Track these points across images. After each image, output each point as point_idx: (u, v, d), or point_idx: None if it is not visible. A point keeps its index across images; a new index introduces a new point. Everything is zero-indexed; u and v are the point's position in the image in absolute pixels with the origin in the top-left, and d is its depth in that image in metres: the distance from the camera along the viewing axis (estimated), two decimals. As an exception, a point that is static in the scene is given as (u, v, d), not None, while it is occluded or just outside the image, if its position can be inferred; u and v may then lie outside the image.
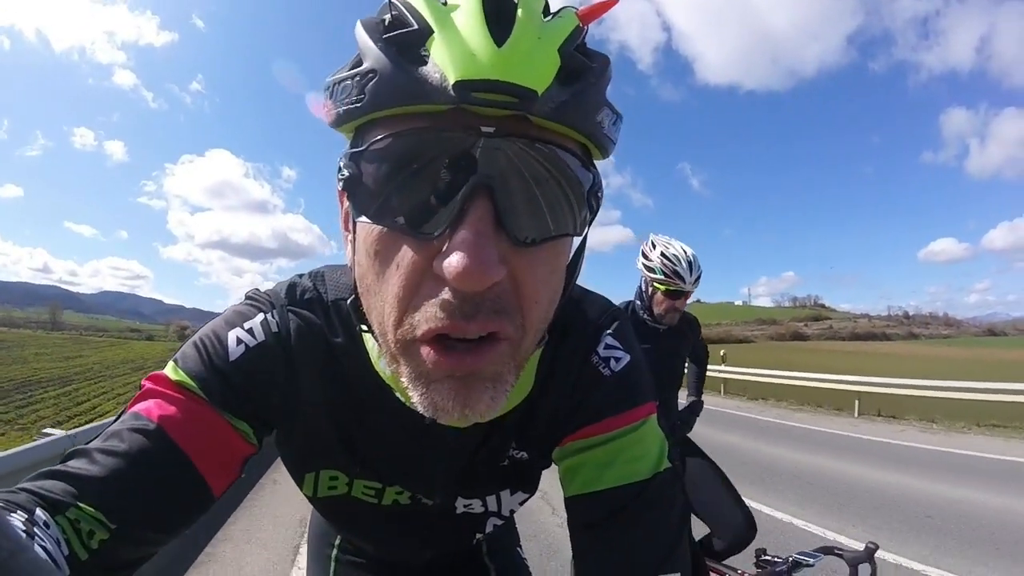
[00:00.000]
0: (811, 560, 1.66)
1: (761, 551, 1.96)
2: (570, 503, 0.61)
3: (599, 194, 0.46)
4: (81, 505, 0.45)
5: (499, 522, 0.77)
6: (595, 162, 0.47)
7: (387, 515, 0.71)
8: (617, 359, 0.63)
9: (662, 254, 2.28)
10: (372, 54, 0.40)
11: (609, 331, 0.64)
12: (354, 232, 0.47)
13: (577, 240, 0.49)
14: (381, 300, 0.43)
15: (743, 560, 2.19)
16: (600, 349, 0.63)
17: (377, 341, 0.48)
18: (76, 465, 0.47)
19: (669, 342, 2.41)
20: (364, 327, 0.51)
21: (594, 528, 0.58)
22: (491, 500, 0.72)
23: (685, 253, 2.27)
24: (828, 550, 1.66)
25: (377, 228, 0.42)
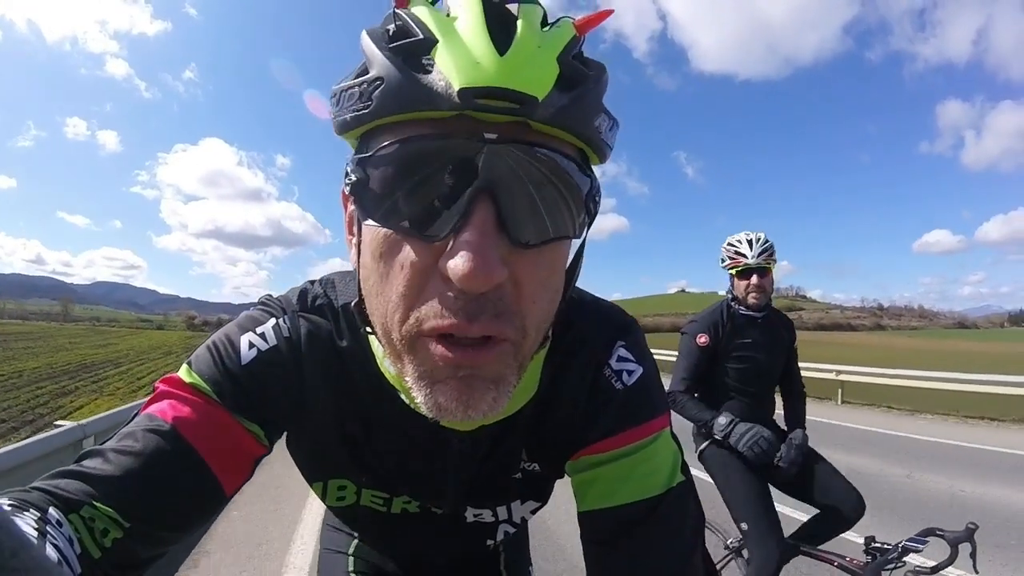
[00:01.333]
0: (919, 545, 1.73)
1: (871, 538, 1.98)
2: (583, 518, 0.61)
3: (597, 198, 0.48)
4: (96, 504, 0.45)
5: (511, 529, 0.77)
6: (593, 167, 0.49)
7: (398, 522, 0.72)
8: (630, 372, 0.62)
9: (728, 244, 2.43)
10: (379, 62, 0.41)
11: (622, 342, 0.64)
12: (359, 235, 0.48)
13: (577, 243, 0.50)
14: (385, 300, 0.44)
15: (853, 548, 2.20)
16: (612, 362, 0.62)
17: (381, 343, 0.49)
18: (91, 465, 0.48)
19: (765, 335, 2.42)
20: (368, 329, 0.52)
21: (607, 544, 0.58)
22: (501, 510, 0.72)
23: (747, 235, 2.38)
24: (931, 532, 1.73)
25: (383, 231, 0.43)
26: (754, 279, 2.34)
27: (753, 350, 2.39)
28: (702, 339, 2.36)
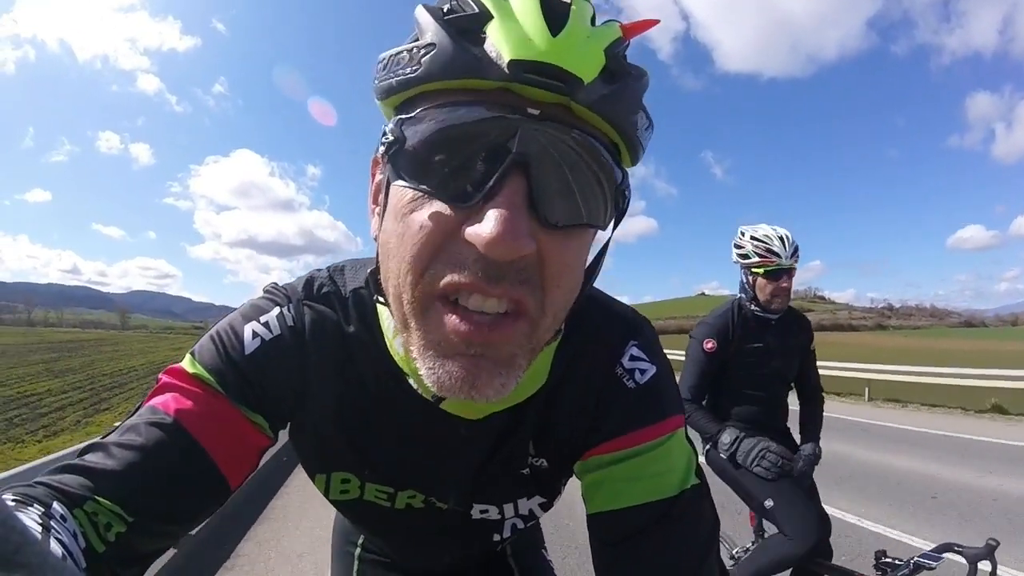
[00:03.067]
0: (932, 562, 1.60)
1: (881, 553, 1.87)
2: (593, 520, 0.59)
3: (627, 193, 0.48)
4: (98, 498, 0.45)
5: (521, 525, 0.74)
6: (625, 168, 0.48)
7: (402, 518, 0.70)
8: (643, 371, 0.61)
9: (752, 238, 2.20)
10: (432, 29, 0.42)
11: (635, 341, 0.63)
12: (385, 201, 0.47)
13: (602, 240, 0.50)
14: (399, 259, 0.44)
15: (863, 564, 2.13)
16: (625, 360, 0.61)
17: (391, 311, 0.49)
18: (93, 459, 0.48)
19: (779, 338, 2.24)
20: (381, 299, 0.52)
21: (618, 546, 0.56)
22: (508, 507, 0.70)
23: (775, 231, 2.18)
24: (947, 547, 1.61)
25: (410, 192, 0.43)
26: (783, 281, 2.14)
27: (765, 354, 2.21)
28: (709, 345, 2.19)
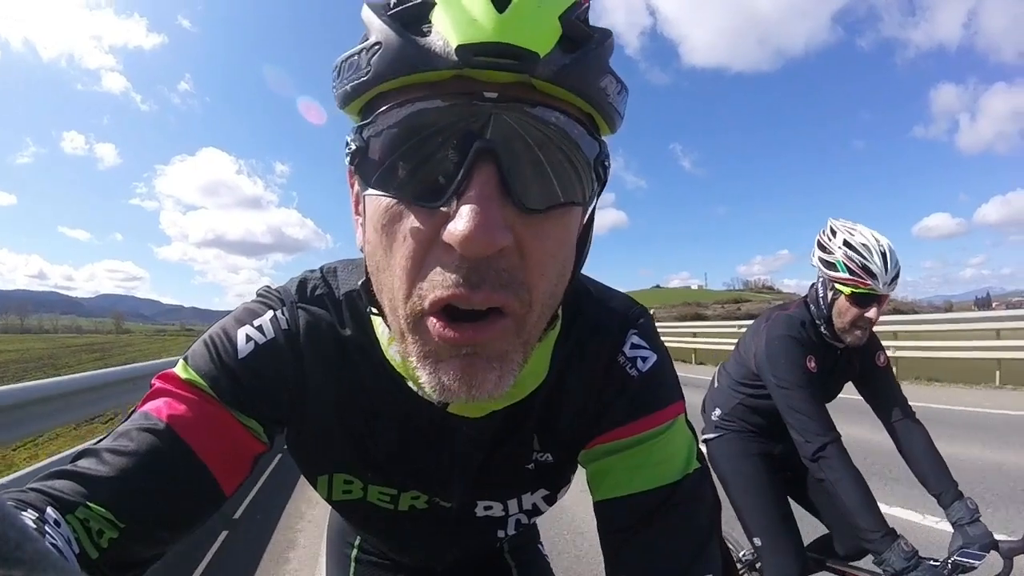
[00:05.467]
0: (974, 560, 1.41)
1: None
2: (599, 508, 0.60)
3: (606, 163, 0.46)
4: (90, 504, 0.45)
5: (525, 520, 0.75)
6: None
7: (405, 520, 0.70)
8: (644, 359, 0.61)
9: (845, 243, 1.61)
10: (377, 28, 0.41)
11: (635, 329, 0.63)
12: (364, 212, 0.47)
13: (586, 214, 0.49)
14: (391, 275, 0.43)
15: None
16: (626, 349, 0.62)
17: (387, 323, 0.48)
18: (85, 465, 0.48)
19: (830, 361, 1.73)
20: (375, 310, 0.51)
21: (624, 532, 0.57)
22: (512, 503, 0.71)
23: (878, 243, 1.58)
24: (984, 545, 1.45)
25: (385, 201, 0.42)
26: (873, 312, 1.58)
27: (817, 383, 1.65)
28: (812, 364, 1.63)
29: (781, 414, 1.63)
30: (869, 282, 1.56)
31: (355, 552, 0.96)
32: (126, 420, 0.53)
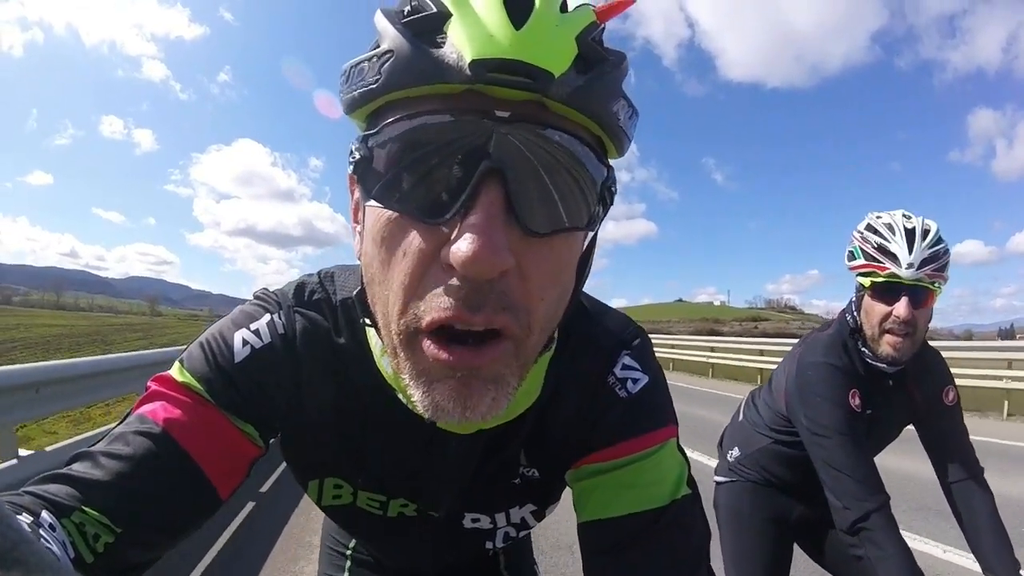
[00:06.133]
0: None
1: None
2: (583, 529, 0.59)
3: (612, 189, 0.46)
4: (86, 508, 0.45)
5: (514, 533, 0.74)
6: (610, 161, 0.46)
7: (394, 526, 0.70)
8: (634, 380, 0.61)
9: (868, 228, 1.30)
10: (390, 36, 0.40)
11: (628, 351, 0.62)
12: (363, 222, 0.46)
13: (588, 238, 0.48)
14: (386, 289, 0.43)
15: None
16: (617, 370, 0.61)
17: (380, 336, 0.48)
18: (80, 469, 0.48)
19: (887, 396, 1.32)
20: (368, 322, 0.51)
21: (607, 555, 0.56)
22: (500, 516, 0.70)
23: (908, 221, 1.26)
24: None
25: (386, 214, 0.41)
26: (901, 306, 1.21)
27: (869, 423, 1.28)
28: (856, 401, 1.25)
29: (816, 468, 1.25)
30: (888, 265, 1.22)
31: (349, 552, 0.97)
32: (121, 423, 0.53)
